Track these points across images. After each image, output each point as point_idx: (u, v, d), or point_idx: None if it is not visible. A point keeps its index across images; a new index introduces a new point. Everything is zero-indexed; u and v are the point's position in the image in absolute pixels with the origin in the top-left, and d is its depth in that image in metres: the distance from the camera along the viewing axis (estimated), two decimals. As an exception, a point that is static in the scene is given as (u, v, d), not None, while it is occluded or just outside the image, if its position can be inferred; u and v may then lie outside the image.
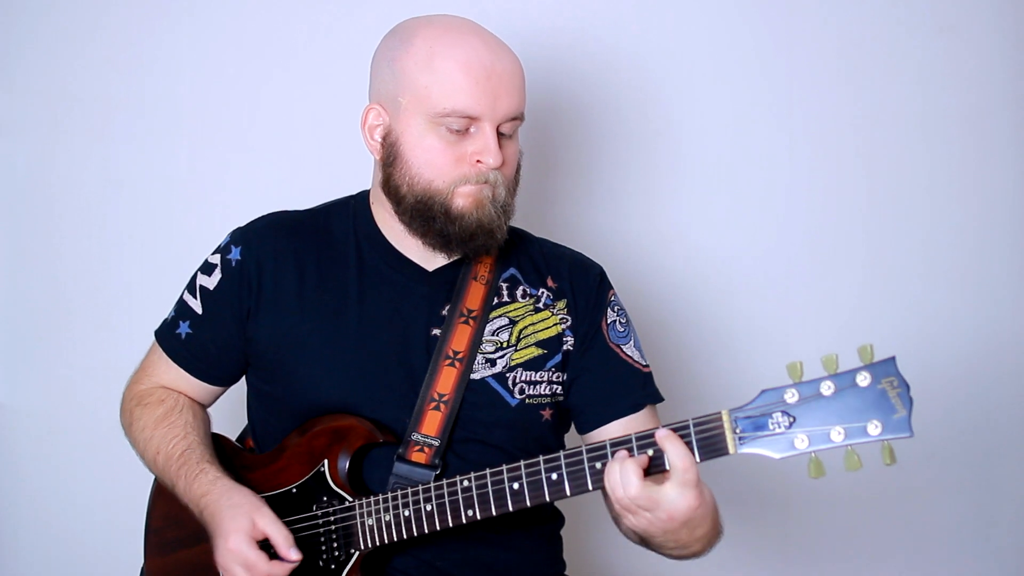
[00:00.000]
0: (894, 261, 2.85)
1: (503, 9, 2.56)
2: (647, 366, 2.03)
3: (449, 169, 1.86)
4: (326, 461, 1.89)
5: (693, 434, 1.64)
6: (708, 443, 1.63)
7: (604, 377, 1.99)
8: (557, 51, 2.72)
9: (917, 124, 2.85)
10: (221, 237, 2.06)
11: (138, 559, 2.10)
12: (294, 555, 1.81)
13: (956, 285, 2.85)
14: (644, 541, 1.85)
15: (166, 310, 2.09)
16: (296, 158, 2.78)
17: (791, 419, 1.58)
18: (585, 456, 1.71)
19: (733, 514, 2.75)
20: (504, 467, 1.76)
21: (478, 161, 1.86)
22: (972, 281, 2.86)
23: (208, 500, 1.88)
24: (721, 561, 2.81)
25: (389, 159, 1.91)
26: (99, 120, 2.78)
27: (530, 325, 1.99)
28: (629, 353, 2.01)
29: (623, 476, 1.65)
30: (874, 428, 1.53)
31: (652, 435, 1.66)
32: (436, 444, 1.90)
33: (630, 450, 1.68)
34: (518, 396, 1.95)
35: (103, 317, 2.81)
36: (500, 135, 1.88)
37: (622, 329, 2.03)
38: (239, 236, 2.03)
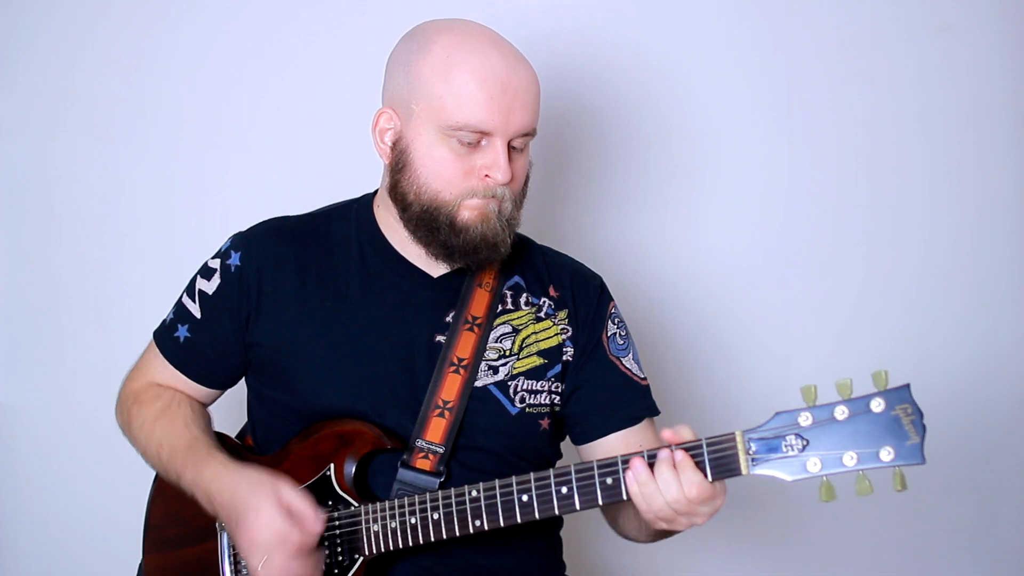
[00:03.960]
0: (895, 264, 2.85)
1: (509, 12, 2.55)
2: (645, 379, 2.03)
3: (457, 181, 1.85)
4: (332, 465, 1.89)
5: (706, 453, 1.65)
6: (721, 463, 1.65)
7: (604, 389, 1.99)
8: (561, 56, 2.71)
9: (917, 124, 2.84)
10: (221, 237, 2.05)
11: (137, 559, 2.10)
12: (319, 525, 1.81)
13: (956, 286, 2.85)
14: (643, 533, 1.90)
15: (165, 310, 2.09)
16: (296, 158, 2.77)
17: (804, 442, 1.59)
18: (596, 471, 1.71)
19: (731, 515, 2.78)
20: (513, 479, 1.76)
21: (487, 176, 1.85)
22: (972, 282, 2.86)
23: (222, 484, 1.86)
24: (720, 562, 2.85)
25: (398, 165, 1.90)
26: (99, 120, 2.77)
27: (532, 334, 1.98)
28: (628, 366, 2.01)
29: (684, 476, 1.65)
30: (886, 454, 1.55)
31: (661, 451, 1.68)
32: (441, 451, 1.89)
33: None
34: (519, 405, 1.95)
35: (103, 317, 2.80)
36: (511, 148, 1.87)
37: (622, 342, 2.03)
38: (239, 241, 2.02)
